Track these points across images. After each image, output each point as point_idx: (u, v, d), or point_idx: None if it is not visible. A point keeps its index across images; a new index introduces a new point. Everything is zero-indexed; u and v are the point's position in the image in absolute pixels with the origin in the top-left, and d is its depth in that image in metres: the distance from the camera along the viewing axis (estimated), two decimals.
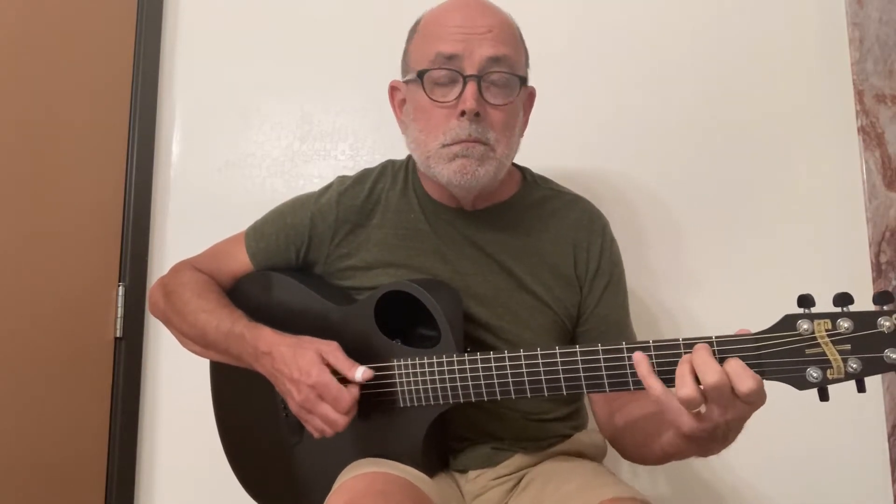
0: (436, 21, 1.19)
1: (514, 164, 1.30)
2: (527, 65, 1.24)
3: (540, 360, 1.00)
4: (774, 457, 1.56)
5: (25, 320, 1.62)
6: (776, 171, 1.63)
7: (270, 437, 1.26)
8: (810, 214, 1.61)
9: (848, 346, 0.83)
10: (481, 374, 1.04)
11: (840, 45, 1.62)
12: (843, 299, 0.83)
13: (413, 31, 1.23)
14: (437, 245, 1.24)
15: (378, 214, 1.28)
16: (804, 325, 0.84)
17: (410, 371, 1.09)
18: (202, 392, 1.38)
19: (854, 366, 0.82)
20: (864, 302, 0.85)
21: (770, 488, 1.57)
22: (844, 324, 0.82)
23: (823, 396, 0.85)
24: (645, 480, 1.60)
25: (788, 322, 0.86)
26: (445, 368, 1.06)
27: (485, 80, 1.13)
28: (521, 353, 1.01)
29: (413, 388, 1.09)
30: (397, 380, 1.10)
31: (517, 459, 1.19)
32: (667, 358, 0.90)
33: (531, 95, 1.28)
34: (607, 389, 0.96)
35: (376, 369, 1.09)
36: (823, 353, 0.84)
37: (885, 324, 0.81)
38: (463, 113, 1.12)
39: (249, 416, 1.31)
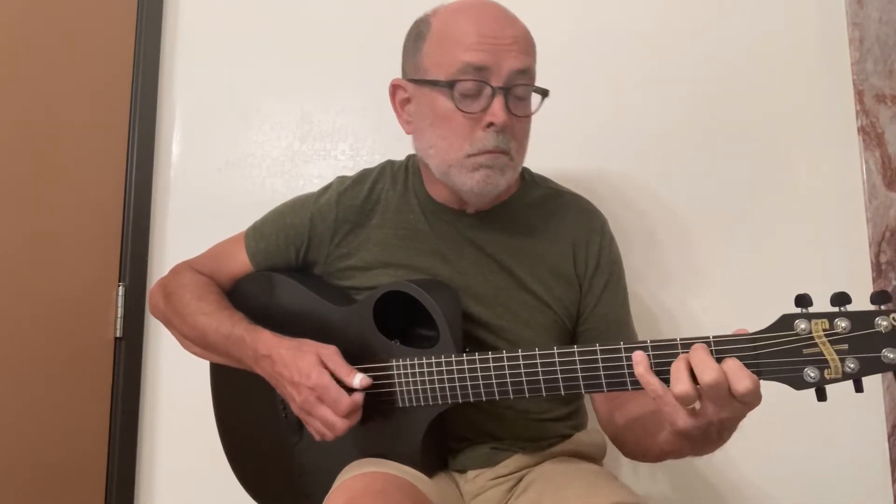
0: (458, 27, 1.15)
1: None
2: None
3: (538, 361, 1.00)
4: (775, 456, 1.56)
5: (25, 320, 1.62)
6: (776, 171, 1.63)
7: (270, 437, 1.27)
8: (810, 214, 1.61)
9: (845, 346, 0.82)
10: (480, 374, 1.04)
11: (840, 45, 1.62)
12: (841, 299, 0.83)
13: (425, 31, 1.19)
14: (437, 245, 1.24)
15: (377, 215, 1.28)
16: (801, 325, 0.84)
17: (409, 371, 1.09)
18: (202, 392, 1.39)
19: (852, 366, 0.82)
20: (864, 302, 0.85)
21: (770, 488, 1.57)
22: (842, 323, 0.82)
23: (821, 396, 0.85)
24: (645, 479, 1.60)
25: (786, 322, 0.86)
26: (444, 368, 1.06)
27: (511, 93, 1.13)
28: (520, 354, 1.01)
29: (412, 388, 1.09)
30: (396, 380, 1.10)
31: (517, 459, 1.19)
32: (665, 358, 0.90)
33: None
34: (605, 389, 0.96)
35: (375, 369, 1.10)
36: (821, 353, 0.83)
37: (882, 323, 0.81)
38: (490, 125, 1.12)
39: (249, 416, 1.31)
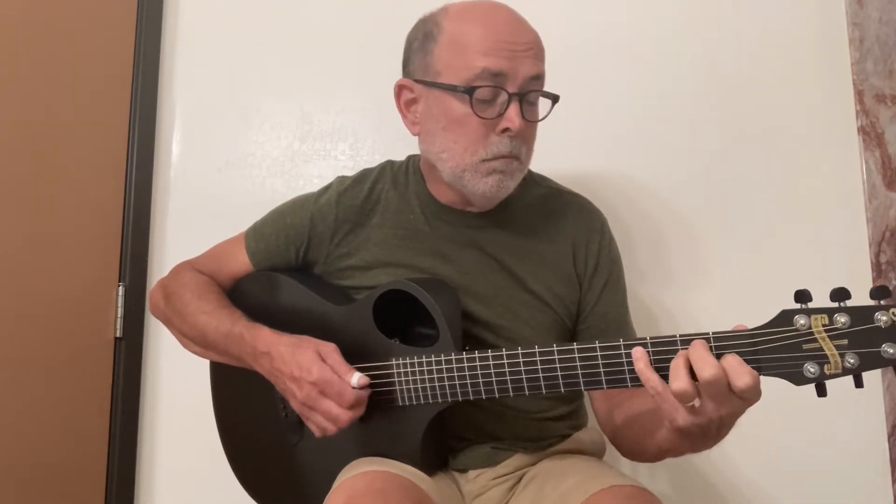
0: (473, 31, 1.14)
1: None
2: None
3: (538, 358, 1.00)
4: (774, 456, 1.55)
5: (25, 320, 1.62)
6: (776, 170, 1.63)
7: (270, 437, 1.27)
8: (810, 214, 1.61)
9: (845, 341, 0.82)
10: (479, 372, 1.04)
11: (840, 45, 1.62)
12: (840, 294, 0.83)
13: (434, 32, 1.17)
14: (437, 245, 1.24)
15: (378, 214, 1.28)
16: (801, 321, 0.84)
17: (409, 370, 1.09)
18: (202, 392, 1.39)
19: (851, 361, 0.82)
20: (863, 299, 0.84)
21: (770, 487, 1.57)
22: (841, 318, 0.82)
23: (821, 392, 0.85)
24: (645, 478, 1.60)
25: (785, 317, 0.86)
26: (444, 367, 1.06)
27: (524, 98, 1.13)
28: (519, 352, 1.01)
29: (411, 386, 1.09)
30: (396, 378, 1.10)
31: (517, 459, 1.19)
32: (664, 354, 0.90)
33: None
34: (605, 387, 0.96)
35: (374, 368, 1.10)
36: (820, 349, 0.83)
37: (882, 318, 0.80)
38: (505, 130, 1.13)
39: (249, 416, 1.31)
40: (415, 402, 1.09)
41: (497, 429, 1.20)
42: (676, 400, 0.87)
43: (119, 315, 1.80)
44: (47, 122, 1.69)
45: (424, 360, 1.07)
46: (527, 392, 1.02)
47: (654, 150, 1.68)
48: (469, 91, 1.11)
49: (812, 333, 0.84)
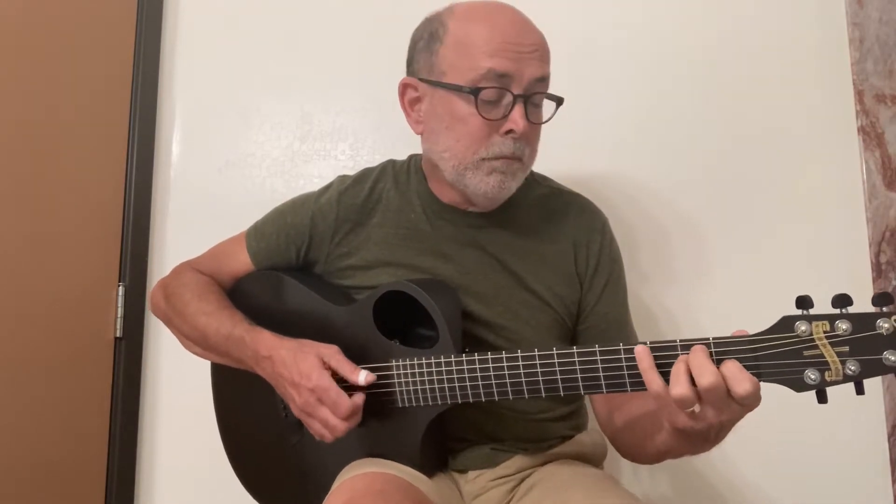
0: (479, 31, 1.13)
1: None
2: None
3: (537, 361, 1.00)
4: (775, 456, 1.56)
5: (25, 320, 1.62)
6: (776, 170, 1.63)
7: (271, 437, 1.27)
8: (810, 214, 1.61)
9: (846, 348, 0.82)
10: (479, 374, 1.04)
11: (840, 45, 1.62)
12: (842, 301, 0.82)
13: (440, 32, 1.17)
14: (438, 244, 1.24)
15: (379, 214, 1.28)
16: (802, 327, 0.84)
17: (409, 371, 1.09)
18: (202, 392, 1.39)
19: (853, 368, 0.81)
20: (864, 301, 0.85)
21: (770, 488, 1.57)
22: (843, 325, 0.82)
23: (822, 398, 0.84)
24: (645, 479, 1.60)
25: (786, 323, 0.85)
26: (444, 369, 1.06)
27: (529, 100, 1.14)
28: (519, 354, 1.01)
29: (411, 388, 1.09)
30: (395, 380, 1.10)
31: (517, 460, 1.19)
32: (664, 359, 0.90)
33: None
34: (604, 391, 0.96)
35: (375, 369, 1.09)
36: (821, 355, 0.83)
37: (883, 325, 0.80)
38: (509, 131, 1.13)
39: (250, 416, 1.31)
40: (414, 404, 1.09)
41: (497, 430, 1.20)
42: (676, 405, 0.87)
43: (119, 315, 1.80)
44: (47, 122, 1.69)
45: (424, 361, 1.07)
46: (526, 395, 1.01)
47: (655, 150, 1.67)
48: (474, 92, 1.11)
49: (813, 340, 0.83)
